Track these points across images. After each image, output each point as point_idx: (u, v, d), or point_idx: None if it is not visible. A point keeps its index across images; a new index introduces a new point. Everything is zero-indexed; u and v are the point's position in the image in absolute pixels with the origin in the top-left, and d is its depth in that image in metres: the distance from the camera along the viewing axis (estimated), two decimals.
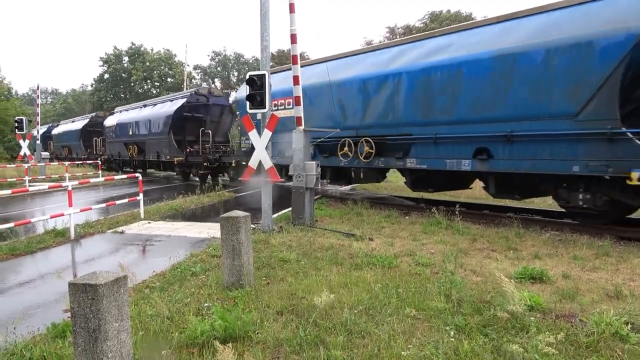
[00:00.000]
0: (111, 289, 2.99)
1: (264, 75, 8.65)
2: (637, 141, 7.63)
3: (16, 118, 24.01)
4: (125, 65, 57.87)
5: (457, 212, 9.16)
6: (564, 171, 8.55)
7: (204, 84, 60.76)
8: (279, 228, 9.22)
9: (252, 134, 9.05)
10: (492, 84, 9.34)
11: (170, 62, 58.35)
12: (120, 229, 9.77)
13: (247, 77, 8.82)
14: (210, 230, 9.40)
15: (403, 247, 7.67)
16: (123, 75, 57.51)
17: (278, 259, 6.76)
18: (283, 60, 38.99)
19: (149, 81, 58.48)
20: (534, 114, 8.80)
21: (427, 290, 5.15)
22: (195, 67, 68.61)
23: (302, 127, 9.99)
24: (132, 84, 57.24)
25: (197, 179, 21.67)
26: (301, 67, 10.49)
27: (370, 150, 11.93)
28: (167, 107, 22.48)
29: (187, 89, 38.56)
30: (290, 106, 11.21)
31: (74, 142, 35.33)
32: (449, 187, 12.38)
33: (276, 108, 14.19)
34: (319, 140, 12.83)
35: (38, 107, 27.26)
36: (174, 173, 24.44)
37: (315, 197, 12.40)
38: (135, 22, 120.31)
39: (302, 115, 10.04)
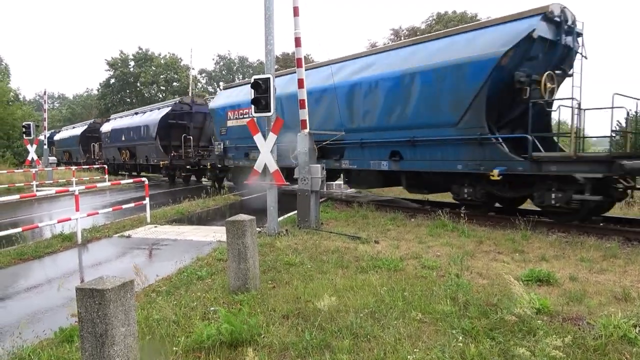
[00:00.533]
0: (118, 294, 3.01)
1: (269, 78, 8.68)
2: (499, 145, 9.73)
3: (24, 123, 24.23)
4: (132, 69, 58.24)
5: (462, 214, 9.15)
6: (451, 169, 10.67)
7: (209, 88, 61.15)
8: (285, 231, 9.23)
9: (257, 138, 9.07)
10: (399, 97, 11.40)
11: (176, 67, 58.68)
12: (126, 233, 9.82)
13: (252, 80, 8.85)
14: (216, 233, 9.42)
15: (409, 250, 7.66)
16: (130, 80, 57.88)
17: (284, 262, 6.77)
18: (288, 63, 39.09)
19: (155, 85, 58.84)
20: (428, 123, 10.85)
21: (433, 294, 5.14)
22: (200, 71, 69.06)
23: (307, 130, 10.00)
24: (139, 89, 57.63)
25: (181, 180, 24.25)
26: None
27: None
28: (154, 114, 24.67)
29: (192, 92, 38.90)
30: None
31: (74, 147, 36.77)
32: (380, 185, 14.15)
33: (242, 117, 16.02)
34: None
35: (45, 112, 27.52)
36: (161, 175, 26.37)
37: (321, 200, 12.41)
38: (141, 27, 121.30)
39: (307, 118, 10.06)
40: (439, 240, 8.41)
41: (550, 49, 9.92)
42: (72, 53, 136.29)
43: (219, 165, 19.05)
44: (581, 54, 10.51)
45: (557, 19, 9.73)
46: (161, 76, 58.06)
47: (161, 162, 23.50)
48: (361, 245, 7.95)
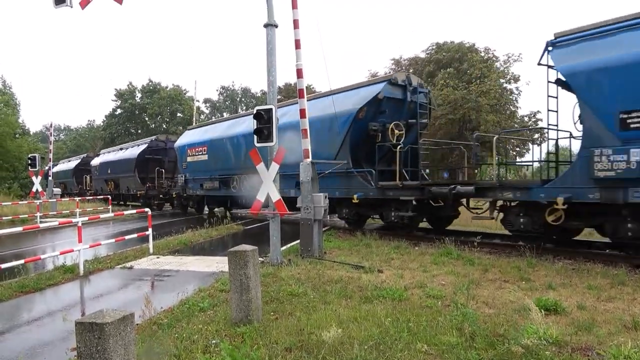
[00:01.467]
0: (118, 328, 2.97)
1: (271, 109, 8.80)
2: (357, 176, 13.13)
3: (29, 155, 24.49)
4: (139, 100, 59.19)
5: (475, 244, 9.09)
6: (334, 195, 13.03)
7: (213, 118, 61.90)
8: (288, 261, 9.15)
9: (260, 167, 9.12)
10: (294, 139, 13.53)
11: (180, 98, 59.62)
12: (129, 264, 9.77)
13: (255, 111, 8.97)
14: (219, 264, 9.36)
15: (413, 279, 7.57)
16: (136, 112, 58.77)
17: (287, 292, 6.69)
18: (290, 93, 39.66)
19: (159, 117, 59.65)
20: (319, 159, 12.73)
21: (438, 324, 5.05)
22: (205, 101, 70.11)
23: (309, 160, 10.06)
24: (146, 120, 58.47)
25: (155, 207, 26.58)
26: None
27: (214, 185, 19.55)
28: (133, 150, 28.51)
29: (196, 122, 40.07)
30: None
31: (69, 179, 39.74)
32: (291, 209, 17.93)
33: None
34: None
35: (51, 144, 27.84)
36: (139, 203, 28.41)
37: (324, 229, 12.37)
38: (146, 59, 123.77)
39: (309, 147, 10.14)
40: (443, 268, 8.32)
41: (399, 105, 13.61)
42: (77, 86, 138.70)
43: (183, 194, 22.55)
44: (429, 105, 14.72)
45: (401, 83, 13.56)
46: (167, 108, 58.91)
47: (139, 192, 26.90)
48: (365, 275, 7.88)
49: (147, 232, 11.29)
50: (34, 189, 23.26)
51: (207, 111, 69.65)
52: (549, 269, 8.09)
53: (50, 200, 23.63)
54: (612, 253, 9.30)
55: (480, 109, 30.33)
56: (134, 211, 14.16)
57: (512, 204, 10.41)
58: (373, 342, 4.52)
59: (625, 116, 8.03)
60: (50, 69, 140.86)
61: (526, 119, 33.14)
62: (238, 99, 71.85)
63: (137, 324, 5.57)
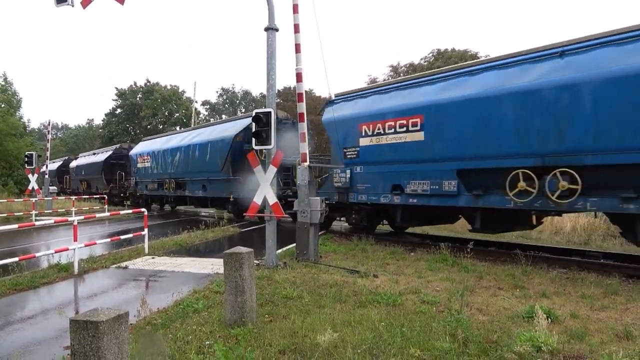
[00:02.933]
0: (112, 326, 2.98)
1: (270, 112, 8.83)
2: (235, 183, 17.99)
3: (26, 153, 24.43)
4: (139, 100, 59.14)
5: (468, 250, 9.09)
6: (221, 195, 19.40)
7: (212, 120, 61.87)
8: (283, 264, 9.16)
9: (258, 170, 9.13)
10: (196, 157, 21.01)
11: (176, 98, 59.52)
12: (124, 264, 9.75)
13: (253, 114, 9.00)
14: (214, 265, 9.35)
15: (408, 285, 7.58)
16: (135, 111, 58.69)
17: (281, 295, 6.69)
18: (289, 97, 39.71)
19: (155, 117, 59.52)
20: (211, 170, 19.83)
21: (432, 330, 5.06)
22: (203, 103, 70.03)
23: (306, 164, 10.08)
24: (142, 120, 58.33)
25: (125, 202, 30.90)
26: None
27: (155, 186, 24.89)
28: (101, 156, 33.11)
29: (194, 124, 40.53)
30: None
31: (52, 178, 41.37)
32: (200, 205, 24.63)
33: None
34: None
35: (49, 142, 27.78)
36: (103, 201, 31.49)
37: (320, 233, 12.37)
38: (145, 59, 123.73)
39: (307, 151, 10.16)
40: (438, 274, 8.34)
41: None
42: (76, 84, 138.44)
43: (135, 194, 27.84)
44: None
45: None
46: (163, 108, 58.81)
47: (104, 191, 29.88)
48: (360, 280, 7.89)
49: (142, 233, 11.28)
50: (30, 187, 23.18)
51: (205, 113, 69.61)
52: (543, 277, 8.12)
53: (46, 198, 23.55)
54: (606, 263, 9.37)
55: None
56: (130, 211, 14.12)
57: None
58: (366, 346, 4.53)
59: (345, 150, 13.22)
60: (50, 68, 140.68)
61: None
62: (237, 102, 71.83)
63: (131, 324, 5.56)
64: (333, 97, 14.28)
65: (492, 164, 9.65)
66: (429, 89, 11.20)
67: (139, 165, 26.35)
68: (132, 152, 28.11)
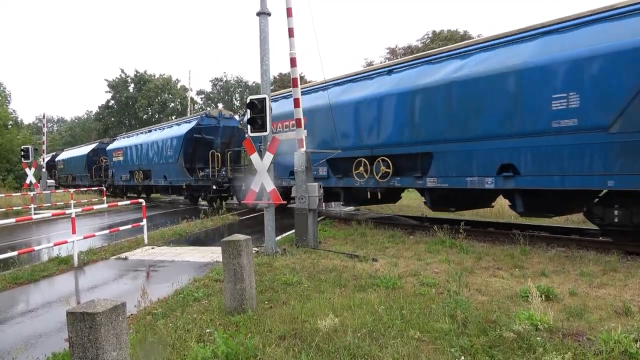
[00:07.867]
0: (109, 317, 2.97)
1: (265, 98, 8.75)
2: (185, 169, 21.55)
3: (22, 147, 24.30)
4: (131, 91, 58.65)
5: (461, 231, 9.10)
6: (178, 183, 22.80)
7: (208, 109, 61.52)
8: (282, 250, 9.17)
9: (254, 157, 9.09)
10: (158, 149, 23.88)
11: (170, 87, 59.00)
12: (123, 255, 9.76)
13: (248, 100, 8.92)
14: (214, 254, 9.36)
15: (407, 268, 7.60)
16: (129, 102, 58.25)
17: (281, 282, 6.71)
18: (285, 83, 39.44)
19: (149, 108, 59.14)
20: (168, 161, 23.04)
21: (431, 311, 5.08)
22: (198, 92, 69.50)
23: (303, 150, 10.03)
24: (136, 111, 58.00)
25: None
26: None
27: (127, 177, 28.36)
28: (82, 151, 36.63)
29: (190, 114, 40.55)
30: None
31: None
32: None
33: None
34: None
35: (44, 135, 27.64)
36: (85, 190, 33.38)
37: (319, 218, 12.38)
38: (138, 49, 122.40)
39: (303, 137, 10.11)
40: (437, 257, 8.36)
41: (215, 129, 21.77)
42: (70, 76, 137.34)
43: (113, 184, 30.86)
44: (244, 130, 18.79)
45: (213, 114, 22.25)
46: (157, 98, 58.36)
47: (87, 183, 33.47)
48: (359, 264, 7.90)
49: (141, 223, 11.27)
50: (27, 181, 23.11)
51: (201, 102, 69.10)
52: (542, 256, 8.15)
53: (44, 192, 23.50)
54: (605, 240, 9.38)
55: None
56: (128, 202, 14.09)
57: None
58: (366, 330, 4.55)
59: None
60: (42, 60, 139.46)
61: None
62: (232, 89, 71.28)
63: (132, 314, 5.58)
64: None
65: (345, 154, 12.71)
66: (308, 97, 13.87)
67: (115, 159, 29.61)
68: (109, 147, 31.22)
